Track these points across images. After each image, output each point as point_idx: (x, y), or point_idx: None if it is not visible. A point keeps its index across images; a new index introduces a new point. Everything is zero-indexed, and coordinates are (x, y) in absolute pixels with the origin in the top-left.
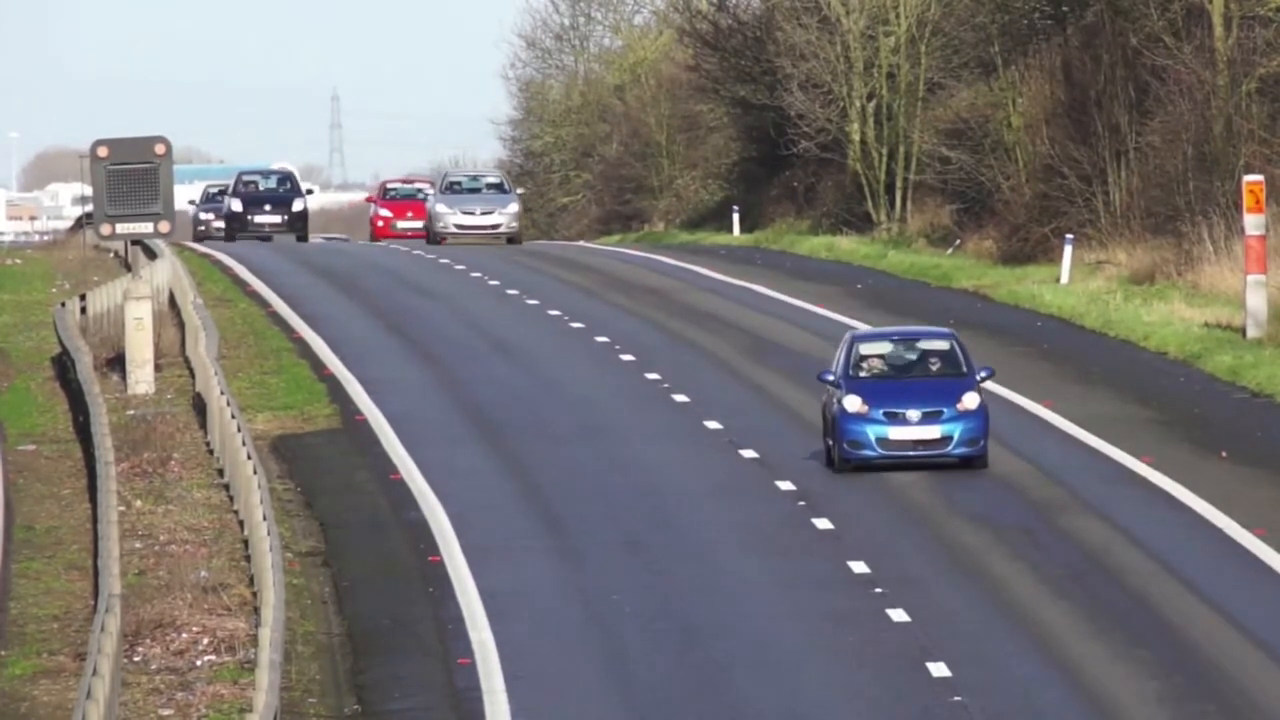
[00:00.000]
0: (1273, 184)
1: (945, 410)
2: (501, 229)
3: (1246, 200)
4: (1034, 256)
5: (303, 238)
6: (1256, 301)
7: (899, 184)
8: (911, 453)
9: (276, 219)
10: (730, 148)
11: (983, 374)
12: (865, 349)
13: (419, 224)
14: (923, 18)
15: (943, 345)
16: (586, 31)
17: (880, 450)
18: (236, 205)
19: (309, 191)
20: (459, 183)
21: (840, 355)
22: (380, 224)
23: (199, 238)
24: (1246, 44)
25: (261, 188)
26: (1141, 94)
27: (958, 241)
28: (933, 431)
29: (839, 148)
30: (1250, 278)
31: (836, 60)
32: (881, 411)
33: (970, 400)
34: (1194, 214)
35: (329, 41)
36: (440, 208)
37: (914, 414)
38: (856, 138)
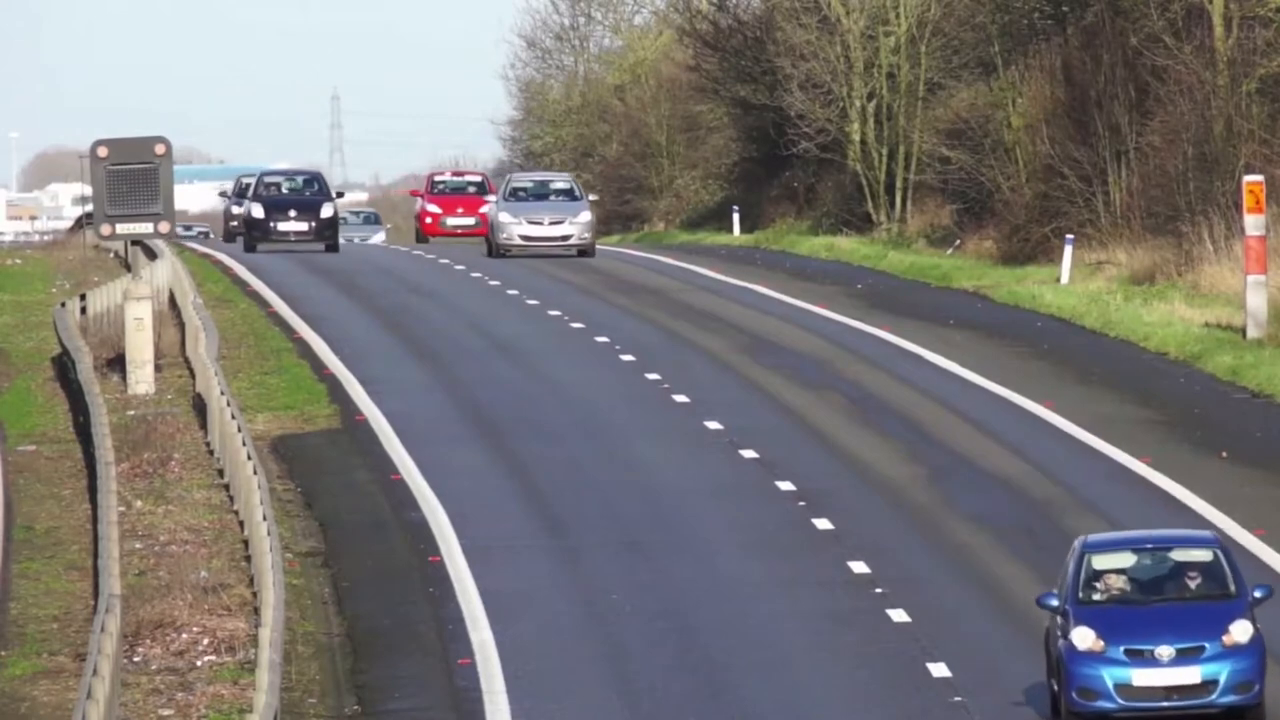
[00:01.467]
0: (1273, 184)
1: (1207, 646)
2: (573, 240)
3: (1246, 200)
4: (1034, 257)
5: (332, 247)
6: (1257, 302)
7: (899, 184)
8: (1164, 703)
9: (303, 226)
10: (730, 148)
11: (1258, 593)
12: (1100, 562)
13: (471, 220)
14: (923, 18)
15: (1204, 556)
16: (586, 32)
17: (1121, 700)
18: (257, 210)
19: (339, 195)
20: (524, 188)
21: (1068, 570)
22: (429, 220)
23: (230, 235)
24: (1246, 44)
25: (286, 190)
26: (1141, 94)
27: (958, 242)
28: (1191, 674)
29: (839, 148)
30: (1250, 278)
31: (836, 60)
32: (1122, 649)
33: (1241, 632)
34: (1194, 214)
35: (329, 41)
36: (504, 217)
37: (1165, 651)
38: (856, 138)
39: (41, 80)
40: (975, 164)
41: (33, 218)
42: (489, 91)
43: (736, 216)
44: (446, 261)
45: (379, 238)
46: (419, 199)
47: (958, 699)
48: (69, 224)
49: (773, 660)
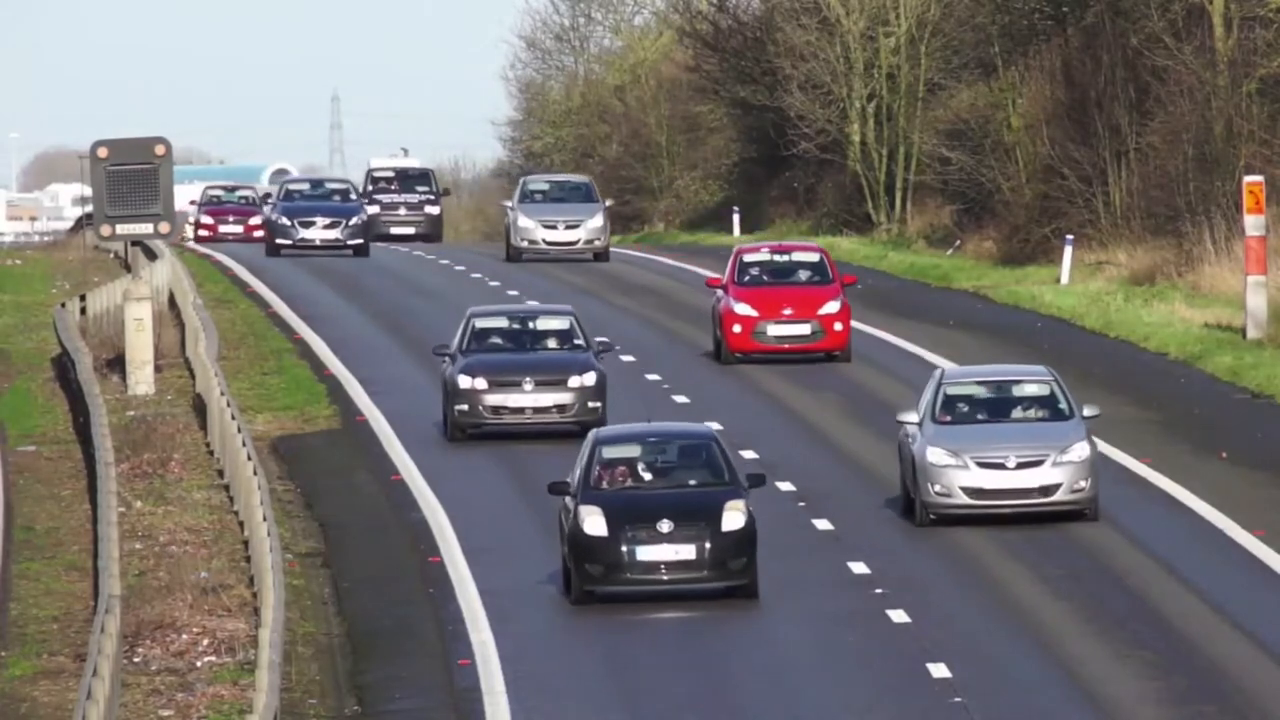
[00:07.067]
0: (1273, 184)
1: None
2: (1059, 495)
3: (1246, 201)
4: (1034, 257)
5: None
6: (1257, 302)
7: (899, 185)
8: None
9: (690, 554)
10: (730, 148)
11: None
12: None
13: (806, 329)
14: (923, 18)
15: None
16: (586, 32)
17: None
18: (596, 523)
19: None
20: (967, 397)
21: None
22: (736, 329)
23: (459, 428)
24: (1247, 44)
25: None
26: (1142, 94)
27: (958, 242)
28: None
29: (839, 148)
30: (1250, 278)
31: (836, 61)
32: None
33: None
34: (1194, 214)
35: (329, 41)
36: (934, 457)
37: None
38: (856, 138)
39: (41, 80)
40: (975, 164)
41: (33, 218)
42: (489, 92)
43: (737, 217)
44: (446, 262)
45: (595, 224)
46: (718, 292)
47: (958, 699)
48: (69, 224)
49: (772, 660)
